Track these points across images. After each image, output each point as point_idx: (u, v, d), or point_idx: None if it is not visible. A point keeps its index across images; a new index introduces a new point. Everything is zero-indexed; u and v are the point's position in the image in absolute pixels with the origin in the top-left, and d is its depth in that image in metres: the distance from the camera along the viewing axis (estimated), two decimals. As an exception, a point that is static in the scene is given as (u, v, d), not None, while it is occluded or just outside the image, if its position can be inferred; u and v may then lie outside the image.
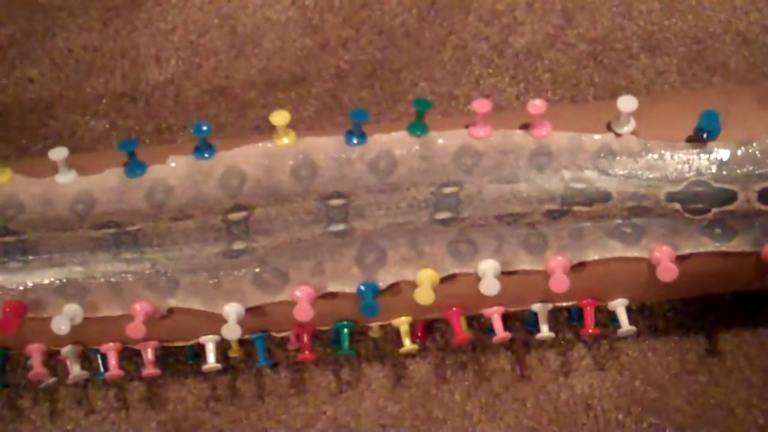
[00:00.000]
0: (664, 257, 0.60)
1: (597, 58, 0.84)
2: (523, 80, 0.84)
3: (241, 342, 0.71)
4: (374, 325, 0.69)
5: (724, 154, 0.60)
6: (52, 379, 0.70)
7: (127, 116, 0.85)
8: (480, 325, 0.73)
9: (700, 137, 0.60)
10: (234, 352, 0.72)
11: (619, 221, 0.61)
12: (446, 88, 0.84)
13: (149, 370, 0.67)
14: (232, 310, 0.63)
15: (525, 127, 0.63)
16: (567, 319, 0.73)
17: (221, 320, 0.62)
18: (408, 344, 0.66)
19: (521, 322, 0.73)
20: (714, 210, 0.60)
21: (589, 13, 0.85)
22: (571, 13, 0.85)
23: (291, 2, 0.88)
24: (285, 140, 0.64)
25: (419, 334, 0.72)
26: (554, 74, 0.84)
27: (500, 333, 0.65)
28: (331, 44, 0.86)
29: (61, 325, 0.62)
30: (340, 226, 0.62)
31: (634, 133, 0.62)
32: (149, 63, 0.87)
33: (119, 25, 0.88)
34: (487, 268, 0.61)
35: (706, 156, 0.60)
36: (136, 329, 0.61)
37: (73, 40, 0.88)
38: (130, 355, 0.72)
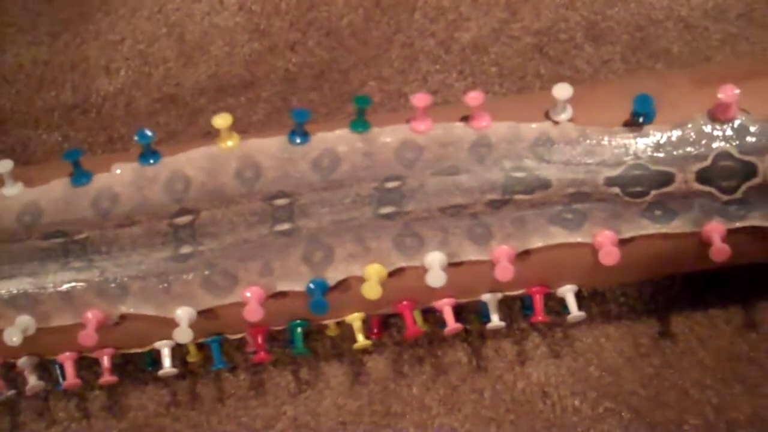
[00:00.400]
0: (606, 241, 0.61)
1: (542, 49, 0.84)
2: (471, 75, 0.84)
3: (200, 346, 0.72)
4: (330, 323, 0.69)
5: (660, 136, 0.61)
6: (11, 392, 0.71)
7: (79, 128, 0.85)
8: (436, 319, 0.74)
9: (636, 121, 0.61)
10: (192, 357, 0.72)
11: (560, 208, 0.61)
12: (395, 86, 0.85)
13: (106, 378, 0.67)
14: (183, 313, 0.63)
15: (465, 119, 0.64)
16: (520, 308, 0.73)
17: (174, 325, 0.63)
18: (361, 340, 0.67)
19: (476, 314, 0.73)
20: (653, 192, 0.61)
21: (533, 5, 0.86)
22: (515, 6, 0.86)
23: (238, 8, 0.89)
24: (229, 143, 0.65)
25: (375, 330, 0.72)
26: (501, 68, 0.84)
27: (451, 325, 0.66)
28: (279, 47, 0.87)
29: (13, 337, 0.62)
30: (286, 226, 0.62)
31: (571, 120, 0.62)
32: (99, 74, 0.87)
33: (68, 39, 0.89)
34: (433, 260, 0.62)
35: (643, 140, 0.61)
36: (88, 337, 0.62)
37: (23, 55, 0.88)
38: (89, 365, 0.73)
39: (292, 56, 0.87)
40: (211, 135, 0.81)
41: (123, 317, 0.64)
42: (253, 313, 0.61)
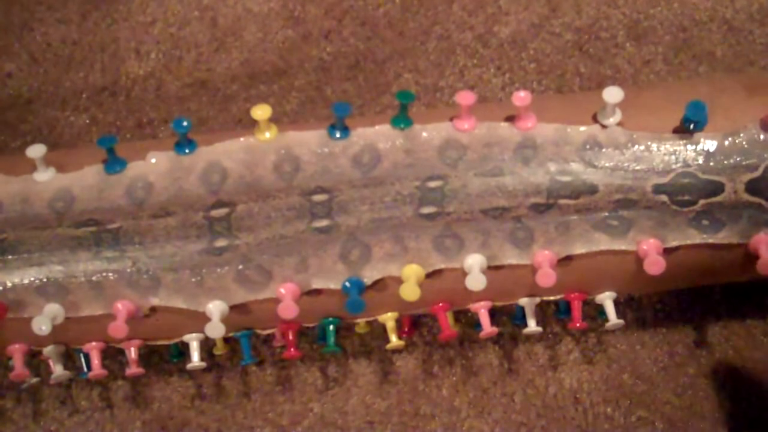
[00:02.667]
0: (651, 250, 0.60)
1: (582, 47, 0.83)
2: (509, 71, 0.83)
3: (227, 339, 0.71)
4: (360, 321, 0.68)
5: (710, 145, 0.60)
6: (35, 380, 0.70)
7: (108, 111, 0.84)
8: (467, 320, 0.73)
9: (687, 128, 0.60)
10: (219, 350, 0.71)
11: (606, 214, 0.60)
12: (431, 80, 0.83)
13: (132, 370, 0.66)
14: (215, 308, 0.62)
15: (510, 119, 0.62)
16: (555, 312, 0.72)
17: (205, 318, 0.62)
18: (394, 340, 0.66)
19: (508, 317, 0.72)
20: (701, 201, 0.59)
21: (574, 2, 0.84)
22: (556, 3, 0.85)
23: (272, -7, 0.87)
24: (267, 135, 0.63)
25: (406, 330, 0.71)
26: (539, 64, 0.83)
27: (487, 328, 0.64)
28: (314, 36, 0.85)
29: (41, 325, 0.61)
30: (324, 222, 0.61)
31: (620, 124, 0.61)
32: (129, 56, 0.86)
33: (98, 18, 0.87)
34: (474, 262, 0.61)
35: (693, 147, 0.60)
36: (118, 329, 0.61)
37: (51, 34, 0.87)
38: (114, 354, 0.72)
39: (327, 45, 0.85)
40: (243, 123, 0.81)
41: (153, 309, 0.63)
42: (288, 309, 0.60)
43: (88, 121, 0.84)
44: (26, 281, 0.62)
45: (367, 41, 0.85)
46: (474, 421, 0.72)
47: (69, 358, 0.70)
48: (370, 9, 0.86)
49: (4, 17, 0.87)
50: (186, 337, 0.66)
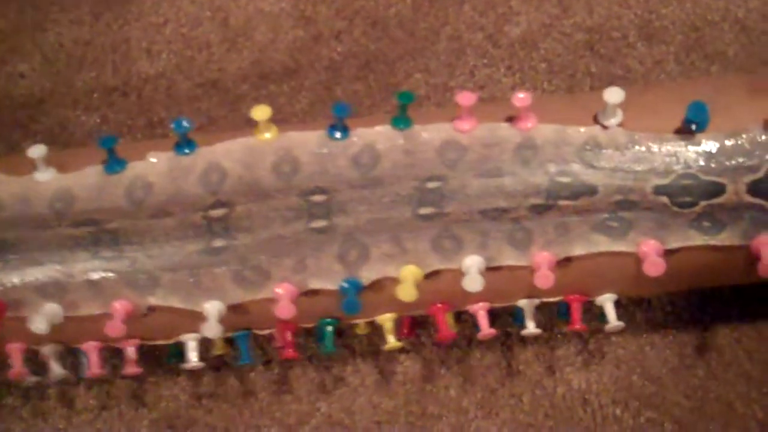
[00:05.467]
0: (651, 251, 0.59)
1: (593, 47, 0.82)
2: (519, 71, 0.82)
3: (230, 340, 0.70)
4: (360, 322, 0.68)
5: (712, 146, 0.59)
6: (35, 378, 0.70)
7: (119, 110, 0.84)
8: (473, 321, 0.72)
9: (689, 129, 0.59)
10: (218, 350, 0.71)
11: (606, 215, 0.59)
12: (441, 80, 0.83)
13: (130, 369, 0.66)
14: (212, 307, 0.62)
15: (510, 119, 0.62)
16: (556, 314, 0.71)
17: (202, 318, 0.62)
18: (392, 341, 0.65)
19: (512, 317, 0.72)
20: (702, 203, 0.59)
21: (585, 2, 0.84)
22: (567, 2, 0.84)
23: (284, -7, 0.87)
24: (267, 135, 0.63)
25: (405, 331, 0.71)
26: (550, 64, 0.82)
27: (485, 330, 0.64)
28: (324, 36, 0.85)
29: (39, 324, 0.61)
30: (322, 222, 0.61)
31: (621, 124, 0.60)
32: (140, 56, 0.86)
33: (110, 19, 0.88)
34: (472, 263, 0.60)
35: (694, 148, 0.59)
36: (114, 328, 0.61)
37: (64, 34, 0.88)
38: (120, 353, 0.72)
39: (337, 45, 0.85)
40: (253, 123, 0.81)
41: (151, 309, 0.63)
42: (285, 310, 0.60)
43: (99, 121, 0.84)
44: (25, 280, 0.63)
45: (377, 41, 0.85)
46: (482, 422, 0.72)
47: (75, 356, 0.70)
48: (381, 9, 0.86)
49: (17, 18, 0.88)
50: (183, 337, 0.66)
